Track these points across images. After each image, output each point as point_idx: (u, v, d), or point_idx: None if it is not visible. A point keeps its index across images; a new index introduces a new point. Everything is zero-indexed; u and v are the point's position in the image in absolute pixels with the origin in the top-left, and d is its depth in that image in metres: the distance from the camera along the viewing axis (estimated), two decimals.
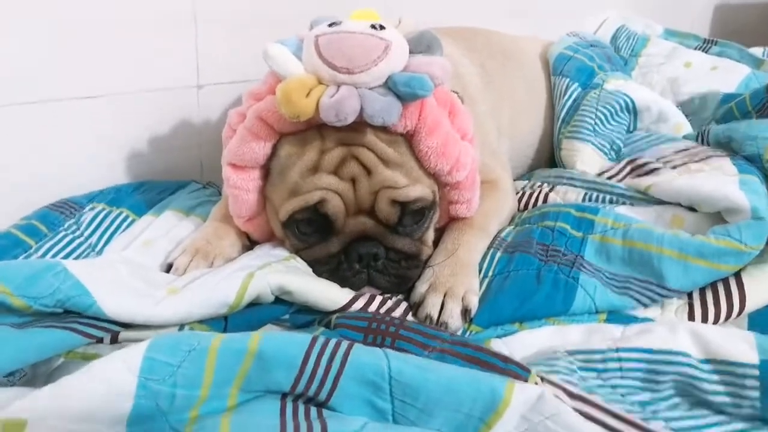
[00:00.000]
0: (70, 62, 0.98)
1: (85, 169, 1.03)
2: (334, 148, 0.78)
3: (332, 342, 0.59)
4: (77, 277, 0.66)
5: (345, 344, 0.59)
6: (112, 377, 0.54)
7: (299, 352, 0.58)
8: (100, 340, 0.68)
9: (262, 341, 0.57)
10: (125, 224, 0.95)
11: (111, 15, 1.00)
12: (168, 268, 0.82)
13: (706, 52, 1.87)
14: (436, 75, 0.75)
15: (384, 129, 0.78)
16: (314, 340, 0.59)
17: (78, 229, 0.92)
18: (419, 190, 0.80)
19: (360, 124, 0.76)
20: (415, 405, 0.57)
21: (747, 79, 1.62)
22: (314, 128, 0.79)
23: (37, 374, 0.65)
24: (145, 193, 1.03)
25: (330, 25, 0.78)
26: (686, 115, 1.48)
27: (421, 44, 0.78)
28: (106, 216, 0.95)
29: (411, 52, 0.78)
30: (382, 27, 0.77)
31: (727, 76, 1.64)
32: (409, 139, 0.80)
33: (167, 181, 1.09)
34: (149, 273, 0.78)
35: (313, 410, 0.57)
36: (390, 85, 0.74)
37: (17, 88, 0.94)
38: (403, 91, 0.74)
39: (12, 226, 0.91)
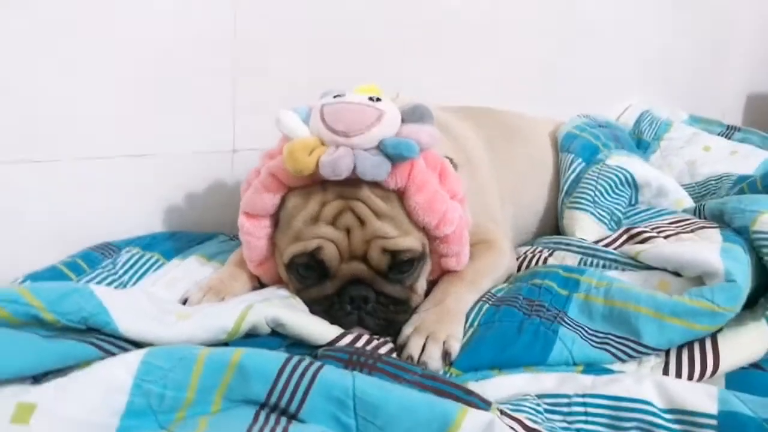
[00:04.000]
0: (125, 124, 1.13)
1: (127, 218, 1.16)
2: (334, 200, 0.88)
3: (305, 361, 0.66)
4: (100, 298, 0.75)
5: (316, 364, 0.66)
6: (113, 375, 0.63)
7: (274, 367, 0.65)
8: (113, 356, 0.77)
9: (243, 356, 0.65)
10: (155, 266, 1.06)
11: (162, 88, 1.16)
12: (184, 302, 0.92)
13: (729, 138, 1.90)
14: (422, 140, 0.86)
15: (378, 185, 0.88)
16: (289, 358, 0.66)
17: (114, 268, 1.03)
18: (409, 241, 0.88)
19: (358, 181, 0.86)
20: (375, 422, 0.62)
21: (765, 162, 1.64)
22: (318, 183, 0.89)
23: None
24: (176, 241, 1.15)
25: (335, 97, 0.90)
26: (702, 196, 1.52)
27: (414, 114, 0.89)
28: (139, 258, 1.07)
29: (404, 121, 0.89)
30: (378, 99, 0.89)
31: (745, 159, 1.66)
32: (400, 195, 0.89)
33: (198, 232, 1.21)
34: (165, 303, 0.88)
35: (283, 420, 0.63)
36: (381, 148, 0.85)
37: (77, 145, 1.09)
38: (392, 153, 0.84)
39: (59, 262, 1.03)
